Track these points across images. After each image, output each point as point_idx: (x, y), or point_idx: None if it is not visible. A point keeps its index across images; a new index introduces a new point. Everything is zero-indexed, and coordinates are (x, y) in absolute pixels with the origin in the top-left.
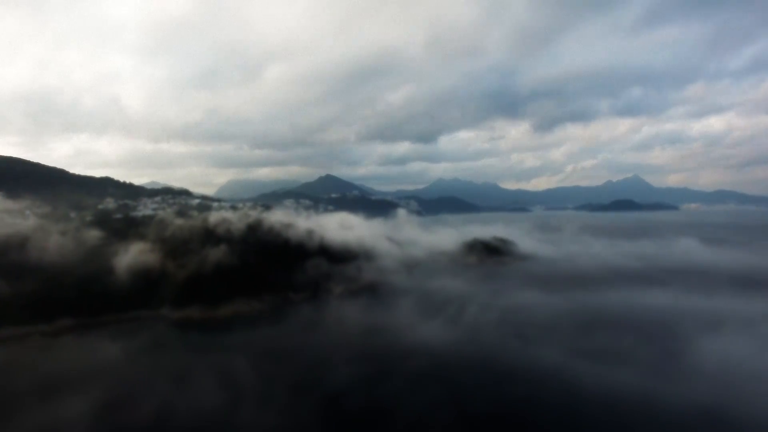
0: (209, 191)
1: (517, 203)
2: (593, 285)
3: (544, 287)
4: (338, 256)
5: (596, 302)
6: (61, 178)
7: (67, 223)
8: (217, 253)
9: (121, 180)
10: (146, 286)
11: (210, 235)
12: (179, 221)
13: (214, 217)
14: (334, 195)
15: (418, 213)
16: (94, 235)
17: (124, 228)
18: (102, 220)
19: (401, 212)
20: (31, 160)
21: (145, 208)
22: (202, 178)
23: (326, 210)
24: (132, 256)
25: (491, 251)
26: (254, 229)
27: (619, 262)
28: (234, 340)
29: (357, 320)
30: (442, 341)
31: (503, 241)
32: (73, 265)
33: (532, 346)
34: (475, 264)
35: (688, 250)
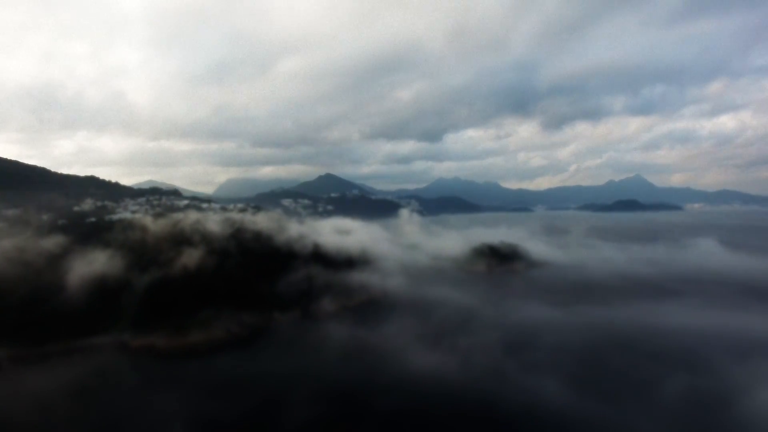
0: (209, 190)
1: (518, 203)
2: (606, 296)
3: (554, 300)
4: (333, 267)
5: (609, 319)
6: (42, 177)
7: (26, 227)
8: (190, 265)
9: (112, 180)
10: (104, 306)
11: (184, 242)
12: (151, 225)
13: (192, 220)
14: (333, 195)
15: (419, 213)
16: (55, 242)
17: (93, 233)
18: (71, 224)
19: (404, 213)
20: (28, 158)
21: (124, 210)
22: (204, 176)
23: (325, 210)
24: (90, 267)
25: (500, 258)
26: (238, 234)
27: (631, 268)
28: (193, 373)
29: (341, 344)
30: (431, 371)
31: (512, 246)
32: (19, 279)
33: (536, 377)
34: (484, 272)
35: (705, 254)
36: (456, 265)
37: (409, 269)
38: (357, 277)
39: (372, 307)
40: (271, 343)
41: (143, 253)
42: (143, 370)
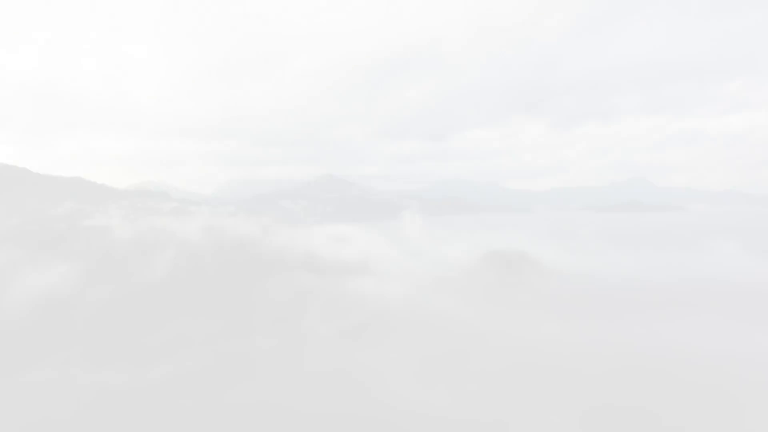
0: (208, 190)
1: (520, 203)
2: (622, 309)
3: (565, 313)
4: (326, 279)
5: (629, 337)
6: (22, 178)
7: None
8: (158, 277)
9: (108, 181)
10: (52, 333)
11: (156, 251)
12: (121, 231)
13: (169, 225)
14: (333, 195)
15: (420, 214)
16: (6, 252)
17: (57, 241)
18: (40, 230)
19: (405, 215)
20: (27, 158)
21: (102, 215)
22: (204, 176)
23: (324, 211)
24: (42, 282)
25: (511, 265)
26: (218, 241)
27: (647, 276)
28: (152, 416)
29: (327, 373)
30: (417, 409)
31: (521, 252)
32: None
33: (544, 413)
34: (495, 282)
35: (724, 259)
36: (464, 274)
37: (411, 279)
38: (353, 289)
39: (368, 326)
40: (249, 374)
41: (106, 263)
42: (92, 415)
